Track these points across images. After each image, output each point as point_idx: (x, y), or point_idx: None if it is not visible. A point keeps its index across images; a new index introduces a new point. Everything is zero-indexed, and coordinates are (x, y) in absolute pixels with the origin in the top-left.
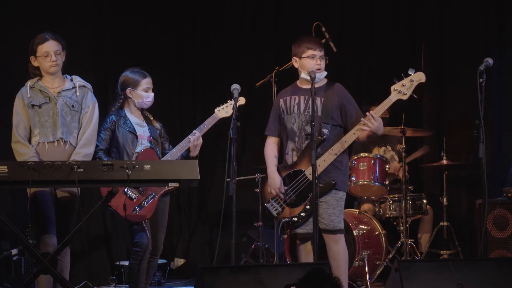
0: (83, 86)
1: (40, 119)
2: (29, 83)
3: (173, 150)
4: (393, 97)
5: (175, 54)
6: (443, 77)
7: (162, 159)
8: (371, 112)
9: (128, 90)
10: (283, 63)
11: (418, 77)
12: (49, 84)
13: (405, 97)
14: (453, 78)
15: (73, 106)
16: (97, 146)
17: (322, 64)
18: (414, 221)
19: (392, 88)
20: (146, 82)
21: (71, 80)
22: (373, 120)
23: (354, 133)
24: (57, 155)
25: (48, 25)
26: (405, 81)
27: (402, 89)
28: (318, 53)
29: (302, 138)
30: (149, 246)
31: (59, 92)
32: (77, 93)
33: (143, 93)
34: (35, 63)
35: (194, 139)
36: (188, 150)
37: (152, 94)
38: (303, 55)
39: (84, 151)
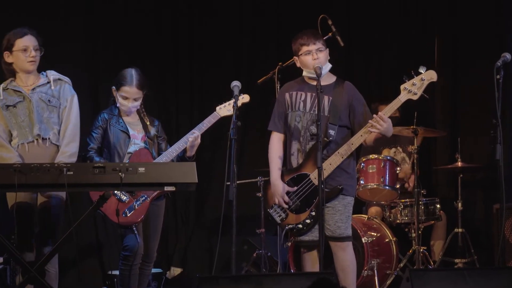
0: (59, 79)
1: (17, 120)
2: (1, 86)
3: (169, 150)
4: (402, 97)
5: (170, 46)
6: (458, 73)
7: (157, 159)
8: (379, 113)
9: (113, 88)
10: (287, 58)
11: (429, 75)
12: (23, 82)
13: (415, 97)
14: (468, 75)
15: (49, 101)
16: (88, 145)
17: (321, 56)
18: (427, 228)
19: (402, 87)
20: (125, 91)
21: (46, 75)
22: (381, 122)
23: (361, 135)
24: (39, 155)
25: (36, 17)
26: (416, 79)
27: (412, 88)
28: (313, 47)
29: (307, 139)
30: (139, 250)
31: (33, 89)
32: (52, 87)
33: (120, 99)
34: (9, 59)
35: (192, 138)
36: (184, 150)
37: (128, 104)
38: (300, 53)
39: (69, 149)
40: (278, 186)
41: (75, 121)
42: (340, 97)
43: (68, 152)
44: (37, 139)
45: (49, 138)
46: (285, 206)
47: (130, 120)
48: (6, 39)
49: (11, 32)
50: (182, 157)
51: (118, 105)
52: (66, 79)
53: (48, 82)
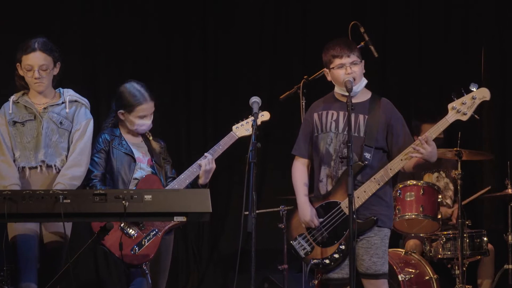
0: (75, 100)
1: (22, 140)
2: (12, 98)
3: (181, 177)
4: (450, 117)
5: (180, 58)
6: (507, 89)
7: (167, 187)
8: (424, 135)
9: (120, 113)
10: (313, 70)
11: (482, 94)
12: (36, 99)
13: (465, 118)
14: None
15: (61, 123)
16: (91, 172)
17: (356, 70)
18: (473, 264)
19: (450, 106)
20: (143, 109)
21: (63, 94)
22: (425, 145)
23: (401, 159)
24: (41, 183)
25: (32, 28)
26: (466, 98)
27: (462, 108)
28: (347, 60)
29: (338, 163)
30: None
31: (45, 108)
32: (67, 109)
33: (137, 120)
34: (21, 72)
35: (205, 162)
36: (197, 177)
37: (147, 122)
38: (331, 66)
39: (71, 172)
40: (307, 209)
41: (84, 145)
42: (377, 116)
43: (69, 174)
44: (41, 166)
45: (55, 165)
46: (313, 226)
47: (134, 141)
48: (17, 50)
49: (23, 42)
50: (194, 184)
51: (134, 128)
52: (84, 100)
53: (63, 103)
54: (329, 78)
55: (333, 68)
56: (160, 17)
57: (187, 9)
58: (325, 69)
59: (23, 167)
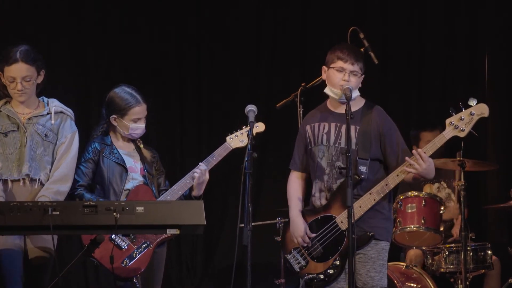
0: (61, 112)
1: (5, 151)
2: None
3: (174, 188)
4: (447, 133)
5: (174, 64)
6: (511, 96)
7: (160, 198)
8: (419, 150)
9: (112, 118)
10: (311, 78)
11: (480, 110)
12: (19, 109)
13: (462, 134)
14: None
15: (46, 135)
16: (76, 181)
17: (353, 81)
18: (477, 277)
19: (447, 121)
20: (137, 112)
21: (47, 104)
22: (421, 161)
23: (397, 175)
24: (23, 197)
25: (22, 34)
26: (464, 113)
27: (460, 123)
28: (349, 67)
29: (332, 176)
30: None
31: (29, 119)
32: (52, 120)
33: (131, 124)
34: (4, 82)
35: (199, 174)
36: (191, 188)
37: (142, 125)
38: (331, 65)
39: (56, 187)
40: (298, 224)
41: (71, 160)
42: (369, 126)
43: (53, 189)
44: (24, 179)
45: (39, 179)
46: (305, 244)
47: (125, 149)
48: (0, 59)
49: (4, 51)
50: (187, 196)
51: (129, 132)
52: (69, 112)
53: (48, 114)
54: (324, 77)
55: (332, 68)
56: (155, 26)
57: (182, 16)
58: (324, 66)
59: (5, 180)
